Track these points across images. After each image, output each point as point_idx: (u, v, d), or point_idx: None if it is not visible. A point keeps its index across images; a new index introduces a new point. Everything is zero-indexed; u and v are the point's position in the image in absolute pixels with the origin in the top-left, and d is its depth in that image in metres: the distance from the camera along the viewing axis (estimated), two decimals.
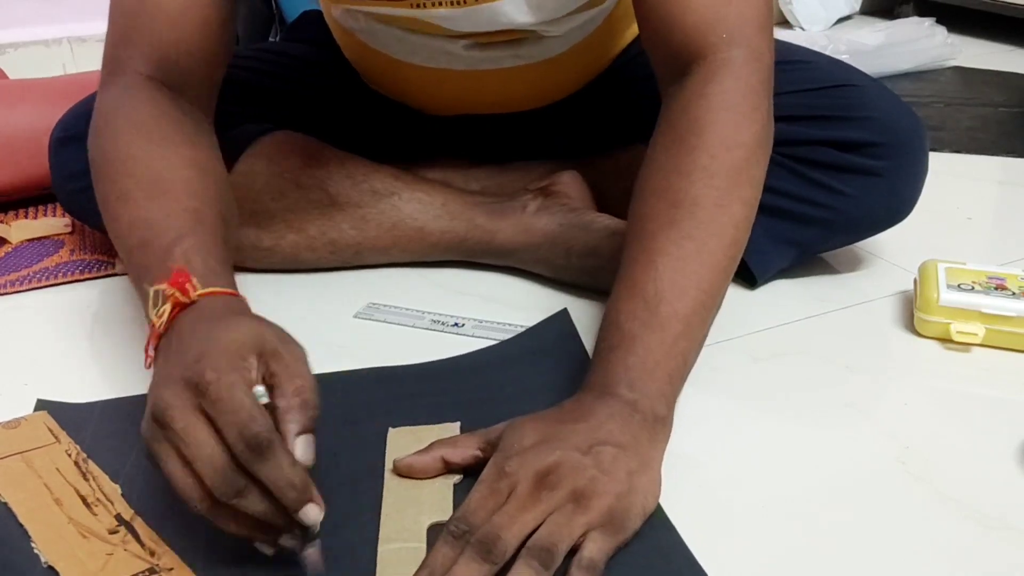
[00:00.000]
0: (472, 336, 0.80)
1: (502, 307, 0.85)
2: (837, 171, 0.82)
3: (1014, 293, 0.79)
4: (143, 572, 0.52)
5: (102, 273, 0.93)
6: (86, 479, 0.60)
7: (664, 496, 0.58)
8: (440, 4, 0.78)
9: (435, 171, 0.96)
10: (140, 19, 0.71)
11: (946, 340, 0.79)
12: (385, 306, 0.85)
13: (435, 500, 0.58)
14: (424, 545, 0.54)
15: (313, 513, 0.49)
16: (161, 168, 0.64)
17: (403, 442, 0.63)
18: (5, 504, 0.58)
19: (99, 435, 0.65)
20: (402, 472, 0.60)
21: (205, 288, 0.56)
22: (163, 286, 0.55)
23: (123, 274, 0.93)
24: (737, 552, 0.56)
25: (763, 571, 0.54)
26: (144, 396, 0.56)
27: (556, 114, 0.97)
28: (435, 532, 0.54)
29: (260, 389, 0.50)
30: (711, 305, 0.64)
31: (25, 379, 0.75)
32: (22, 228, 1.03)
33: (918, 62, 1.70)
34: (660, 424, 0.59)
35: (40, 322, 0.85)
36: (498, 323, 0.82)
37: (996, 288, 0.80)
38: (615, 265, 0.81)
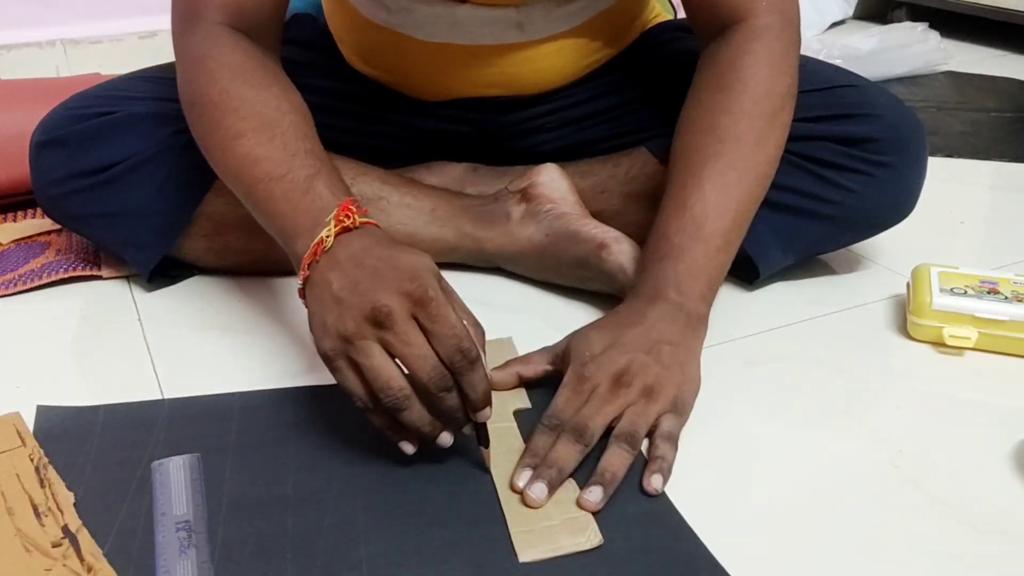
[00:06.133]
0: None
1: (497, 310, 0.85)
2: (842, 167, 0.83)
3: (1007, 297, 0.79)
4: None
5: (88, 273, 0.91)
6: (43, 486, 0.61)
7: None
8: None
9: (430, 176, 0.95)
10: None
11: (939, 344, 0.79)
12: None
13: (514, 393, 0.71)
14: (514, 424, 0.67)
15: (488, 413, 0.60)
16: (268, 112, 0.71)
17: None
18: None
19: (105, 446, 0.66)
20: None
21: (364, 219, 0.65)
22: (334, 212, 0.64)
23: (110, 278, 0.92)
24: (730, 555, 0.55)
25: (758, 574, 0.54)
26: (148, 403, 0.68)
27: (557, 104, 0.95)
28: (519, 415, 0.68)
29: None
30: (744, 227, 0.76)
31: (16, 382, 0.75)
32: (7, 231, 1.02)
33: (911, 67, 1.70)
34: (701, 321, 0.72)
35: (29, 325, 0.85)
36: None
37: (989, 292, 0.80)
38: (605, 277, 0.82)
